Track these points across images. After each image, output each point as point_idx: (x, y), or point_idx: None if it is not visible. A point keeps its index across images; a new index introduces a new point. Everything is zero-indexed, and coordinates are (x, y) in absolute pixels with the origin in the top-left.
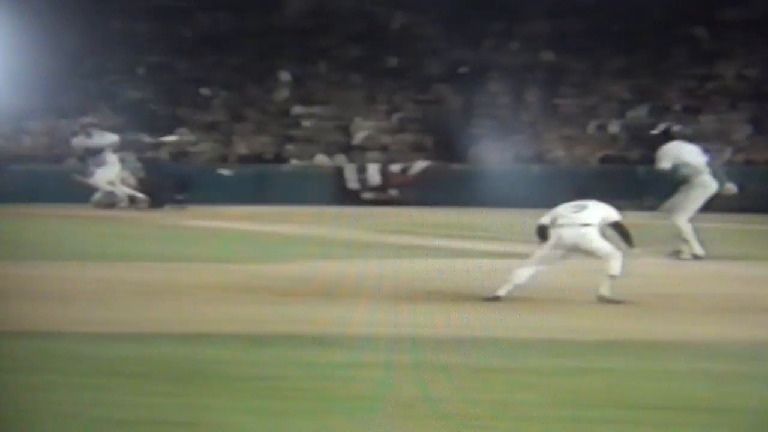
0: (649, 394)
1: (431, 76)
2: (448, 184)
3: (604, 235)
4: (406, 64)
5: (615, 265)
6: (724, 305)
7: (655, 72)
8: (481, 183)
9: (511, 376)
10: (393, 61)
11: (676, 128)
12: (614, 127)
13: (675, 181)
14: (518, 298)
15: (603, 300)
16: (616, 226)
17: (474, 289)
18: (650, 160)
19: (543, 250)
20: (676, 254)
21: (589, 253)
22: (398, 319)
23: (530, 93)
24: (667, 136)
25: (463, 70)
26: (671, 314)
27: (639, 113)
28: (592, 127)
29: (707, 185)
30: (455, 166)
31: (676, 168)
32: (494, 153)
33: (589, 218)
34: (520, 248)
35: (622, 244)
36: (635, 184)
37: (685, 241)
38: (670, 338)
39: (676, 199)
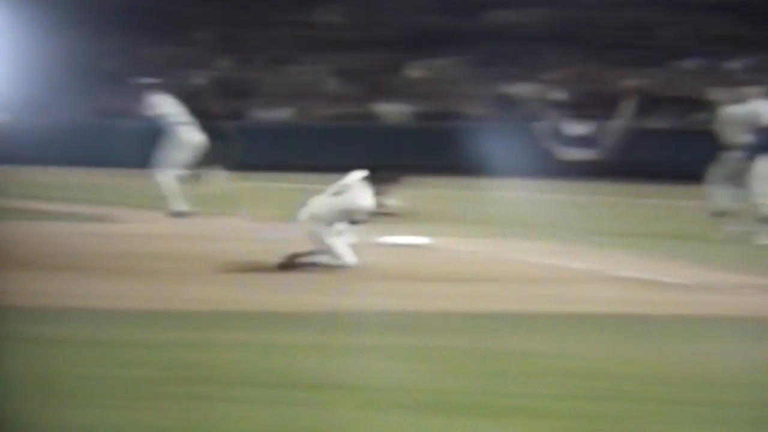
0: (269, 370)
1: None
2: (26, 141)
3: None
4: None
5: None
6: (330, 274)
7: (241, 19)
8: (63, 139)
9: (115, 351)
10: None
11: (150, 80)
12: (200, 79)
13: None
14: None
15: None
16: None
17: (75, 255)
18: (237, 114)
19: None
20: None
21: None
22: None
23: (113, 41)
24: (149, 87)
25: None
26: (287, 283)
27: (224, 63)
28: (176, 78)
29: (186, 138)
30: (35, 120)
31: (155, 119)
32: (76, 106)
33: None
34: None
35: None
36: (222, 139)
37: (165, 197)
38: (285, 309)
39: (162, 154)
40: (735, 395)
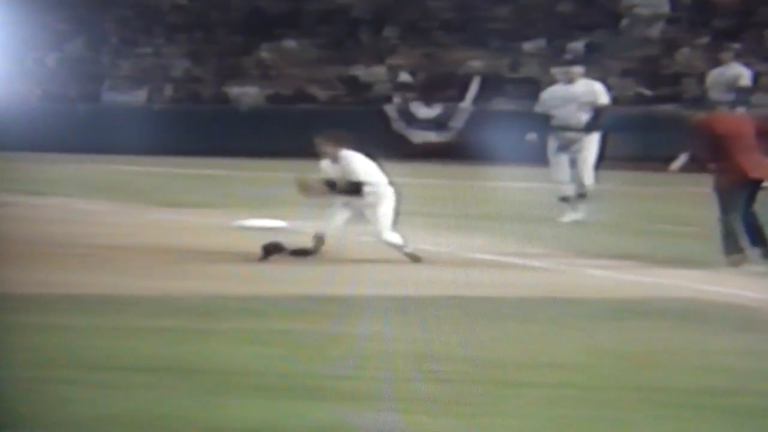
0: (105, 353)
1: None
2: None
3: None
4: None
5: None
6: (177, 257)
7: (91, 0)
8: None
9: None
10: None
11: None
12: (52, 61)
13: None
14: None
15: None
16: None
17: None
18: (92, 97)
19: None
20: None
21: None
22: None
23: None
24: None
25: None
26: (125, 267)
27: (76, 46)
28: (30, 60)
29: None
30: None
31: None
32: None
33: None
34: None
35: None
36: (76, 122)
37: None
38: (124, 293)
39: None
40: (570, 377)
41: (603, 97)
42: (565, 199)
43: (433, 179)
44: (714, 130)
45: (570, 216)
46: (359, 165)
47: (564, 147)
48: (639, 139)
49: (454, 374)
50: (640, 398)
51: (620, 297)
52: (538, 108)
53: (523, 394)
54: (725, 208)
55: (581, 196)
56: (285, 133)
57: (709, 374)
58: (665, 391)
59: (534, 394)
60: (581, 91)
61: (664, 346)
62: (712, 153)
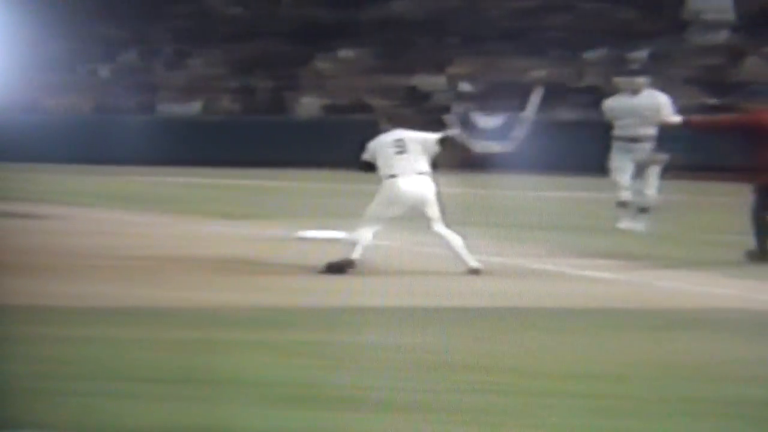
0: (131, 365)
1: None
2: None
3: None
4: None
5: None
6: (221, 269)
7: (144, 11)
8: None
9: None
10: None
11: None
12: (105, 72)
13: None
14: None
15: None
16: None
17: None
18: (148, 108)
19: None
20: None
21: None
22: None
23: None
24: None
25: None
26: (166, 278)
27: (129, 57)
28: (82, 71)
29: None
30: None
31: None
32: None
33: (423, 164)
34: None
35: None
36: (130, 133)
37: None
38: (165, 305)
39: None
40: (604, 387)
41: (667, 109)
42: (622, 204)
43: (494, 190)
44: (762, 123)
45: (626, 222)
46: (372, 144)
47: (628, 155)
48: (703, 149)
49: (487, 385)
50: (683, 410)
51: (673, 307)
52: (605, 118)
53: (564, 405)
54: (762, 205)
55: (643, 210)
56: (342, 143)
57: (755, 385)
58: (709, 402)
59: (576, 404)
60: (645, 104)
61: (712, 357)
62: (756, 148)
